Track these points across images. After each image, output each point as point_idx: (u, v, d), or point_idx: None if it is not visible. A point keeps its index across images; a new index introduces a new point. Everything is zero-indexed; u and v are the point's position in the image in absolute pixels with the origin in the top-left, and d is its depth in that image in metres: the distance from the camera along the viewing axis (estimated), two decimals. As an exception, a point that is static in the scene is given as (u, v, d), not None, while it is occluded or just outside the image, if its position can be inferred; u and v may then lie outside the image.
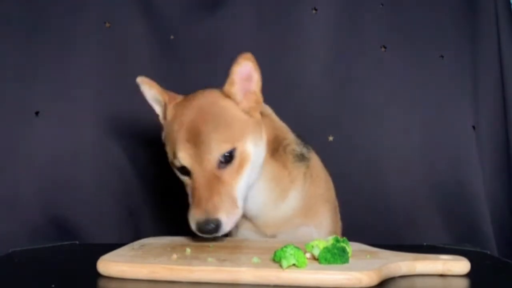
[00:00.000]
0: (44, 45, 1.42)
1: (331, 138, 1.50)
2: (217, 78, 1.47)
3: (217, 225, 0.89)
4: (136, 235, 1.41)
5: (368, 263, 0.79)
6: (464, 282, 0.80)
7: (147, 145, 1.47)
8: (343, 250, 0.79)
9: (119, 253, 0.86)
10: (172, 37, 1.50)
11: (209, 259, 0.80)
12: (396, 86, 1.52)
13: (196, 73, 1.50)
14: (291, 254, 0.76)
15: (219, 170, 0.92)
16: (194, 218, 0.90)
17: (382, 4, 1.54)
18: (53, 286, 0.73)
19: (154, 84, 1.02)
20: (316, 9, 1.52)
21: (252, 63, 0.96)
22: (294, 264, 0.75)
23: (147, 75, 1.47)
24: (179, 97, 1.02)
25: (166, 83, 1.47)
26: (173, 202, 1.48)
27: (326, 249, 0.79)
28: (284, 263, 0.75)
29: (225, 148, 0.92)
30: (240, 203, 0.93)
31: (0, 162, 1.37)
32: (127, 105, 1.45)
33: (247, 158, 0.95)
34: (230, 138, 0.93)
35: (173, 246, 0.92)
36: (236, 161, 0.94)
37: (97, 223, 1.41)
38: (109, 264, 0.80)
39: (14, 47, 1.41)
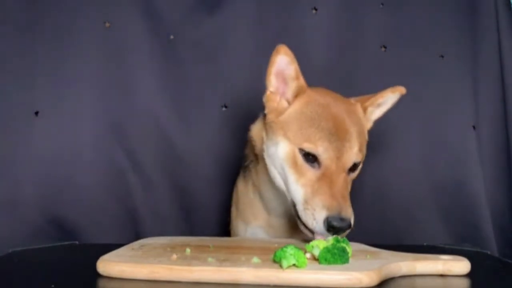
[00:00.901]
0: (44, 45, 1.42)
1: (331, 139, 1.50)
2: (217, 78, 1.49)
3: (349, 225, 0.88)
4: (136, 235, 1.41)
5: (368, 263, 0.79)
6: (464, 282, 0.80)
7: (147, 144, 1.47)
8: (343, 250, 0.79)
9: (119, 253, 0.86)
10: (172, 37, 1.49)
11: (209, 259, 0.80)
12: (396, 86, 1.51)
13: (196, 73, 1.50)
14: (291, 254, 0.76)
15: (347, 173, 0.95)
16: (328, 210, 0.88)
17: (382, 4, 1.54)
18: (53, 286, 0.73)
19: (295, 60, 0.99)
20: (316, 9, 1.52)
21: (399, 97, 1.08)
22: (294, 264, 0.76)
23: (147, 75, 1.49)
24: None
25: (166, 83, 1.50)
26: (173, 201, 1.50)
27: (326, 249, 0.79)
28: (284, 263, 0.75)
29: (359, 157, 0.96)
30: None
31: (0, 162, 1.37)
32: (127, 104, 1.46)
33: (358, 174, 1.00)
34: (363, 150, 0.98)
35: (173, 246, 0.92)
36: (355, 174, 0.99)
37: (97, 223, 1.41)
38: (109, 264, 0.80)
39: (14, 47, 1.40)
